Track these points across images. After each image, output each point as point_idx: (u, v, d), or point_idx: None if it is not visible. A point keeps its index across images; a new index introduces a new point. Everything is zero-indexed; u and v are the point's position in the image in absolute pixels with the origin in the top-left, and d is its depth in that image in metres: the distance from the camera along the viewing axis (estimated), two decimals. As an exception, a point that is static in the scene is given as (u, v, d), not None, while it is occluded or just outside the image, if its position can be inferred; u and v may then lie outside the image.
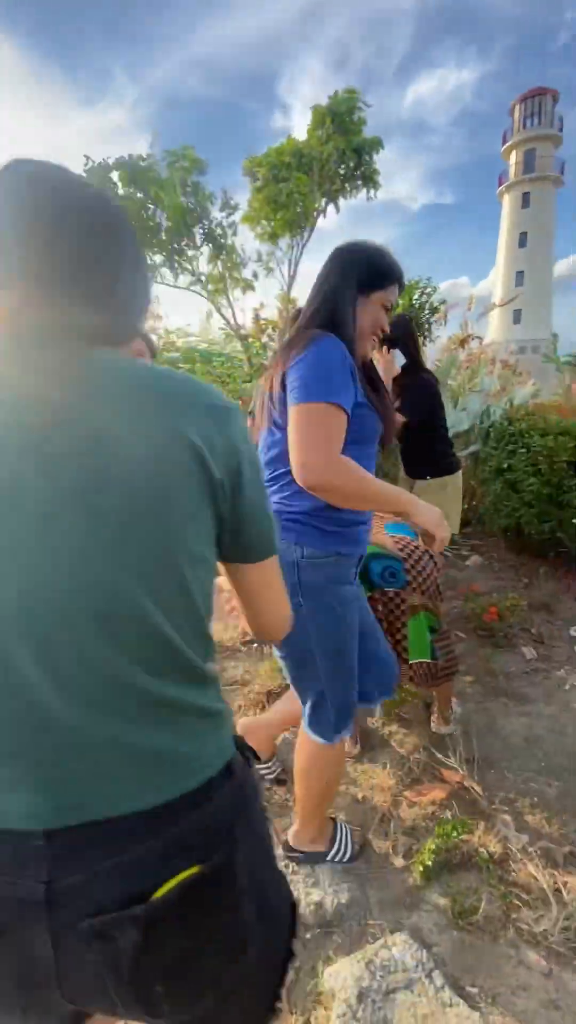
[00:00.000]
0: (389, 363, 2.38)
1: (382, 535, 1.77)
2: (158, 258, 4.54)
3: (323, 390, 1.05)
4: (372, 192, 5.12)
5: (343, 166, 4.77)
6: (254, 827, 0.63)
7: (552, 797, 1.71)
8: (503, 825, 1.61)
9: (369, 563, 1.62)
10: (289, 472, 1.14)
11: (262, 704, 2.22)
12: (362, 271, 1.20)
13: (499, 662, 2.49)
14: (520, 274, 31.45)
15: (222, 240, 4.58)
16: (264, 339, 4.52)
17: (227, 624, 2.79)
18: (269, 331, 4.73)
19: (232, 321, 4.71)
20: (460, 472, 2.70)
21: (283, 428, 1.15)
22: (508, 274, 31.89)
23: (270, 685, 2.29)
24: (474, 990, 1.20)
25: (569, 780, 1.78)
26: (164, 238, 4.55)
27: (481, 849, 1.52)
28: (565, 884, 1.40)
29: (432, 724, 2.03)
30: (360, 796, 1.75)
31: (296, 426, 1.06)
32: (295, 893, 1.39)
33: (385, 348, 2.38)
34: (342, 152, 4.46)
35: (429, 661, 1.68)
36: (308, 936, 1.33)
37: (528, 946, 1.28)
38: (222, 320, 4.72)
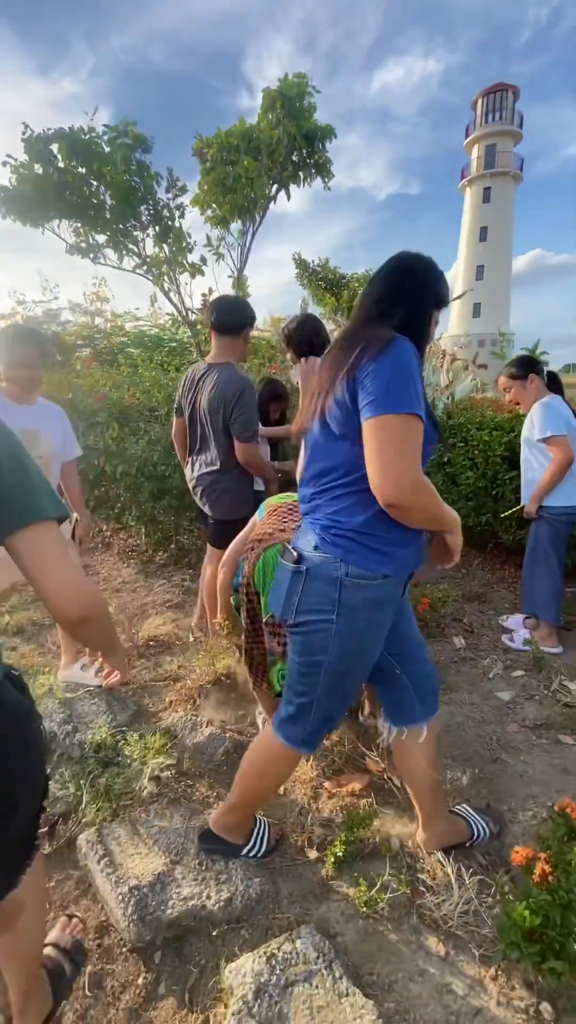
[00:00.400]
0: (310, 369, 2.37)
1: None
2: (101, 238, 4.36)
3: (407, 400, 0.99)
4: (326, 182, 5.06)
5: (295, 153, 4.69)
6: (26, 745, 0.82)
7: (465, 785, 1.76)
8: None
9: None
10: (344, 485, 1.10)
11: (194, 699, 2.20)
12: (439, 286, 1.19)
13: (430, 652, 2.54)
14: (480, 268, 32.00)
15: (169, 222, 4.44)
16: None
17: (164, 619, 2.71)
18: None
19: (180, 307, 4.58)
20: None
21: (343, 437, 1.09)
22: (469, 268, 32.40)
23: (204, 680, 2.27)
24: (373, 978, 1.22)
25: (483, 768, 1.83)
26: (109, 217, 4.38)
27: (394, 838, 1.55)
28: (469, 870, 1.44)
29: (360, 716, 2.06)
30: (282, 789, 1.75)
31: (382, 439, 0.99)
32: (206, 891, 1.39)
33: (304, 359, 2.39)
34: (293, 138, 4.37)
35: None
36: (215, 933, 1.32)
37: (429, 931, 1.32)
38: (170, 305, 4.59)
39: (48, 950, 1.23)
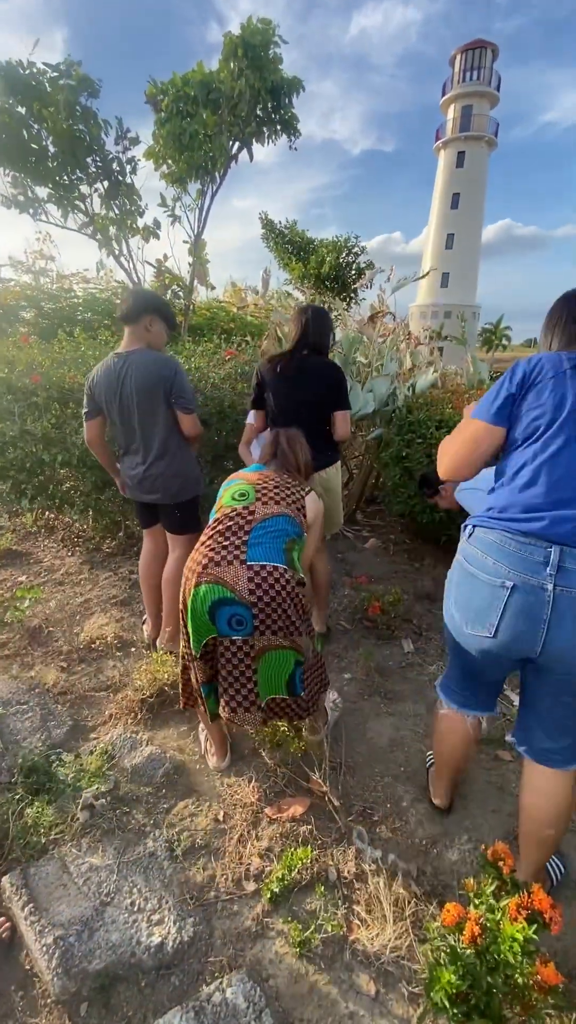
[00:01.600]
0: None
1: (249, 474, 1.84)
2: (43, 191, 3.93)
3: None
4: (292, 140, 4.71)
5: (259, 107, 4.32)
6: None
7: (406, 804, 1.77)
8: (358, 839, 1.65)
9: (216, 610, 1.50)
10: None
11: (135, 712, 2.12)
12: None
13: (379, 657, 2.54)
14: (451, 236, 31.56)
15: (119, 177, 4.04)
16: (168, 296, 4.12)
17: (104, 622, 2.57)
18: (175, 287, 4.33)
19: (132, 273, 4.24)
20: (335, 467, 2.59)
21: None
22: (439, 236, 31.90)
23: (146, 692, 2.18)
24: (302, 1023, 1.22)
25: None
26: (51, 167, 3.94)
27: (331, 868, 1.54)
28: (407, 900, 1.45)
29: (304, 732, 2.03)
30: (222, 815, 1.72)
31: None
32: (136, 935, 1.34)
33: None
34: (256, 92, 4.01)
35: (286, 697, 1.62)
36: (143, 984, 1.28)
37: (361, 968, 1.32)
38: (121, 272, 4.23)
39: None
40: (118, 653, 2.55)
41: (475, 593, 1.27)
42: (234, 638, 1.51)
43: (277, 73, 4.15)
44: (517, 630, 1.20)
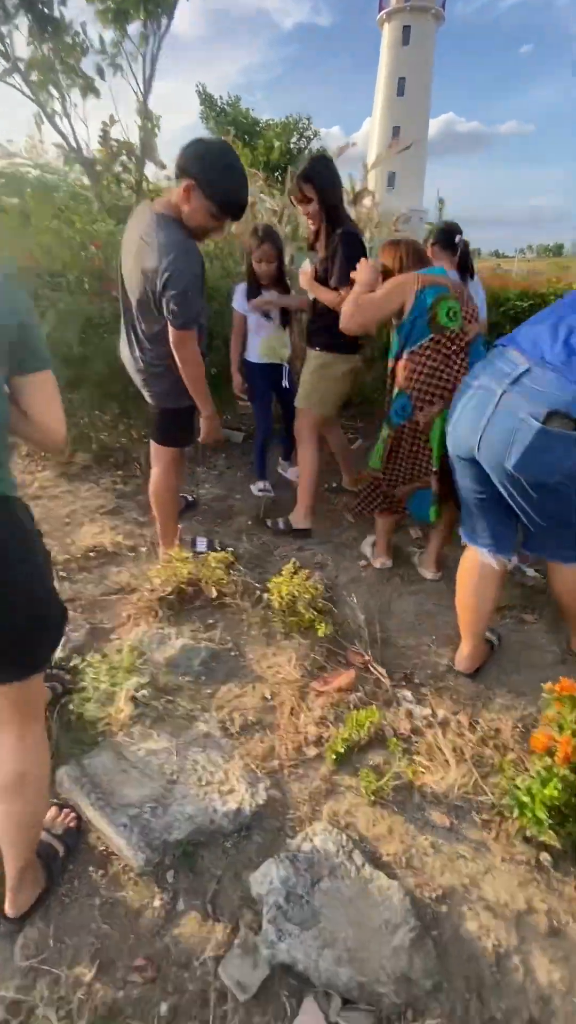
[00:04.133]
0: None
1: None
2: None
3: None
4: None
5: None
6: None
7: (444, 669, 1.82)
8: (405, 700, 1.69)
9: (391, 406, 1.96)
10: None
11: (155, 612, 2.02)
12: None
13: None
14: (396, 129, 29.31)
15: (46, 10, 3.30)
16: (118, 168, 3.55)
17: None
18: (124, 158, 3.74)
19: (71, 137, 3.60)
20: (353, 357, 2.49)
21: None
22: (384, 128, 29.55)
23: (164, 590, 2.08)
24: (389, 859, 1.27)
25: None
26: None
27: (387, 727, 1.58)
28: (462, 748, 1.51)
29: (420, 568, 2.30)
30: (268, 693, 1.70)
31: None
32: (210, 805, 1.33)
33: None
34: None
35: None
36: (228, 844, 1.29)
37: (432, 807, 1.39)
38: (56, 135, 3.58)
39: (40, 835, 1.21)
40: (121, 559, 2.41)
41: (457, 400, 1.57)
42: (403, 424, 1.96)
43: None
44: (466, 423, 1.49)
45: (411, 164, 29.43)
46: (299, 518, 2.61)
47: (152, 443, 2.22)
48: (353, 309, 1.92)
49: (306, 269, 2.43)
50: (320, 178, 2.21)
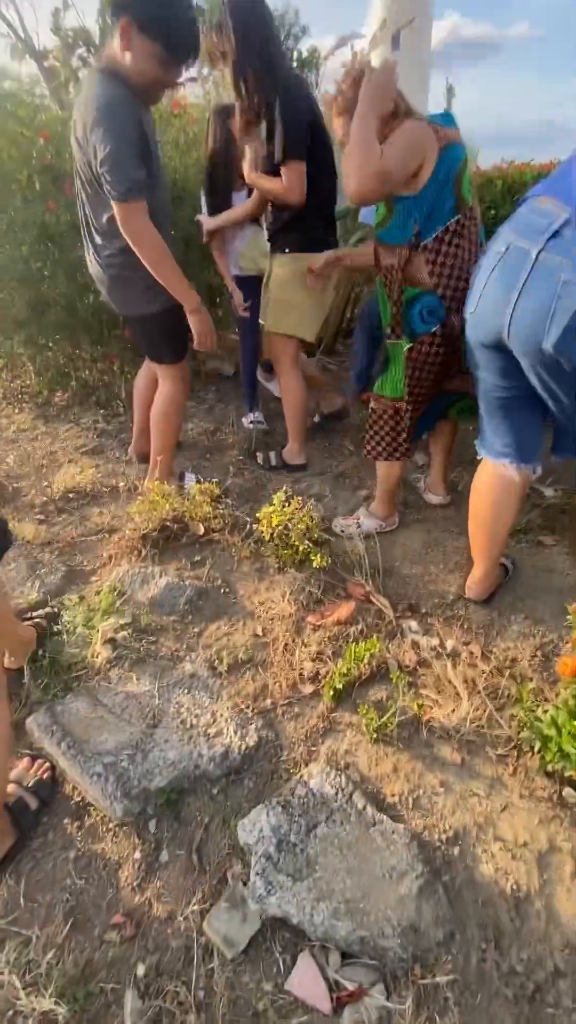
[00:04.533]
0: None
1: None
2: None
3: None
4: None
5: None
6: None
7: (453, 597, 1.65)
8: (410, 631, 1.53)
9: (406, 312, 1.52)
10: None
11: (138, 550, 1.86)
12: None
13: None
14: (397, 37, 26.50)
15: None
16: (75, 61, 3.10)
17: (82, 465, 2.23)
18: (82, 51, 3.26)
19: (19, 28, 3.13)
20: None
21: None
22: (384, 32, 26.75)
23: (147, 527, 1.90)
24: (394, 799, 1.14)
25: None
26: None
27: (390, 660, 1.43)
28: (474, 679, 1.36)
29: (426, 494, 2.10)
30: (260, 630, 1.55)
31: None
32: (195, 750, 1.20)
33: None
34: None
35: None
36: (215, 791, 1.16)
37: (442, 743, 1.25)
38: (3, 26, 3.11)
39: (10, 787, 1.13)
40: (103, 499, 2.23)
41: (476, 275, 1.27)
42: (434, 332, 1.55)
43: None
44: (492, 298, 1.19)
45: (413, 74, 26.80)
46: (293, 454, 2.38)
47: (149, 364, 2.03)
48: (366, 159, 1.24)
49: (248, 156, 1.94)
50: (236, 18, 1.64)
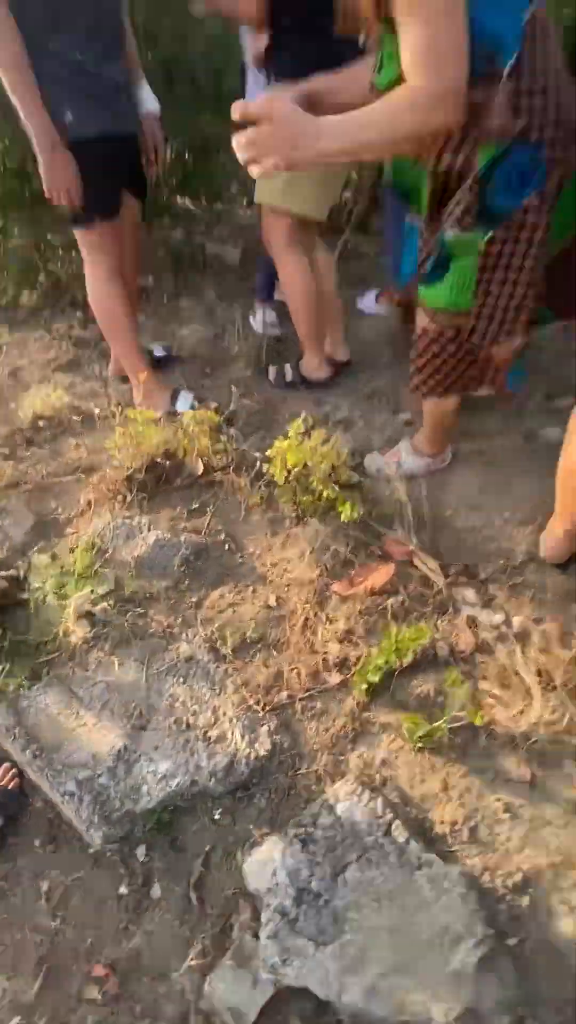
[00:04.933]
0: None
1: None
2: None
3: None
4: None
5: None
6: None
7: (523, 557, 1.42)
8: (466, 604, 1.32)
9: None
10: None
11: (121, 495, 1.65)
12: None
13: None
14: None
15: None
16: None
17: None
18: None
19: None
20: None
21: None
22: None
23: (132, 466, 1.68)
24: (444, 829, 0.98)
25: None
26: None
27: (440, 643, 1.23)
28: (549, 670, 1.16)
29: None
30: (273, 600, 1.37)
31: None
32: (192, 759, 1.06)
33: None
34: None
35: None
36: (217, 813, 1.03)
37: (506, 753, 1.08)
38: None
39: None
40: (80, 429, 2.00)
41: None
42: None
43: None
44: None
45: None
46: (312, 367, 2.05)
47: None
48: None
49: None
50: None
